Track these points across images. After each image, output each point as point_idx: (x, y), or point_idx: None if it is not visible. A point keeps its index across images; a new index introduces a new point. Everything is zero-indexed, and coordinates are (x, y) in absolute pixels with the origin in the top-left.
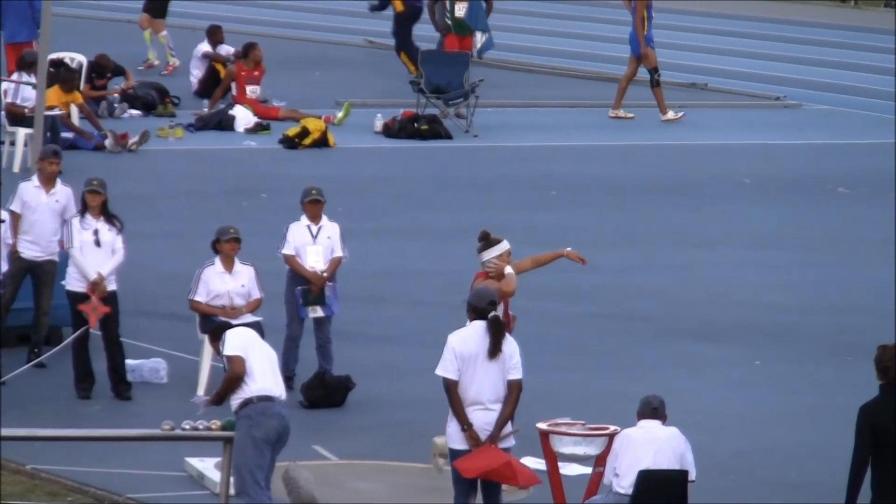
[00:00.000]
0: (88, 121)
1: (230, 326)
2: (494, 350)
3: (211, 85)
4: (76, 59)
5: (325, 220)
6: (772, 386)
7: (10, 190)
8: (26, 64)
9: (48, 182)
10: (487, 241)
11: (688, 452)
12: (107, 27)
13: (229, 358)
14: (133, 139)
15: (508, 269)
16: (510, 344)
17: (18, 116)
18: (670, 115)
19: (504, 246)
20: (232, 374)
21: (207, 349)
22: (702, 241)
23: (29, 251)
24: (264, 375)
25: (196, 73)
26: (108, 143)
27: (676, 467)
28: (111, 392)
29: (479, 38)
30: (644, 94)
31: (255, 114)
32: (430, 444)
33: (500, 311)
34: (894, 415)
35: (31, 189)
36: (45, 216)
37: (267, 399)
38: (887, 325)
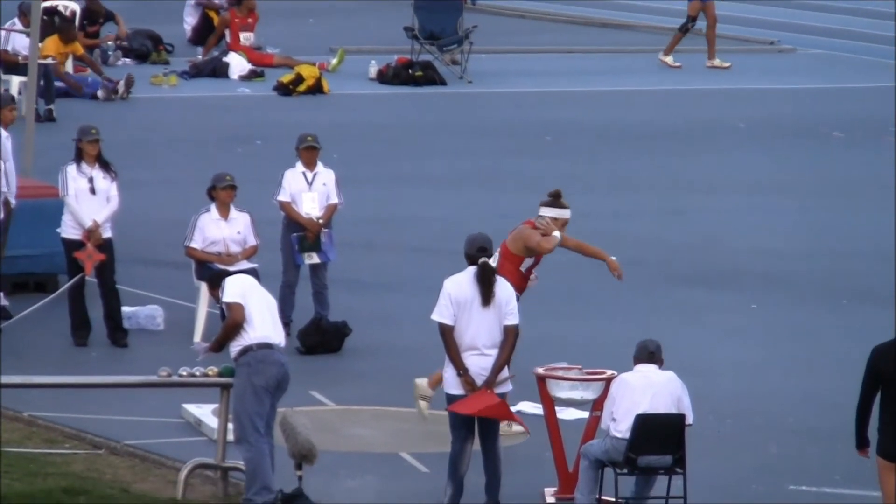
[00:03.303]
0: (90, 68)
1: (228, 274)
2: (486, 296)
3: (204, 32)
4: (69, 6)
5: (320, 166)
6: (768, 331)
7: None
8: (21, 13)
9: (6, 128)
10: (554, 201)
11: (685, 396)
12: None
13: (228, 305)
14: (121, 87)
15: (557, 233)
16: (505, 289)
17: (12, 64)
18: (669, 60)
19: (565, 214)
20: (231, 322)
21: (204, 296)
22: (697, 187)
23: (12, 198)
24: (263, 323)
25: (189, 20)
26: (99, 93)
27: (673, 411)
28: (108, 339)
29: None
30: (638, 40)
31: (250, 61)
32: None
33: (525, 266)
34: None
35: (2, 140)
36: (10, 162)
37: (266, 346)
38: (883, 269)
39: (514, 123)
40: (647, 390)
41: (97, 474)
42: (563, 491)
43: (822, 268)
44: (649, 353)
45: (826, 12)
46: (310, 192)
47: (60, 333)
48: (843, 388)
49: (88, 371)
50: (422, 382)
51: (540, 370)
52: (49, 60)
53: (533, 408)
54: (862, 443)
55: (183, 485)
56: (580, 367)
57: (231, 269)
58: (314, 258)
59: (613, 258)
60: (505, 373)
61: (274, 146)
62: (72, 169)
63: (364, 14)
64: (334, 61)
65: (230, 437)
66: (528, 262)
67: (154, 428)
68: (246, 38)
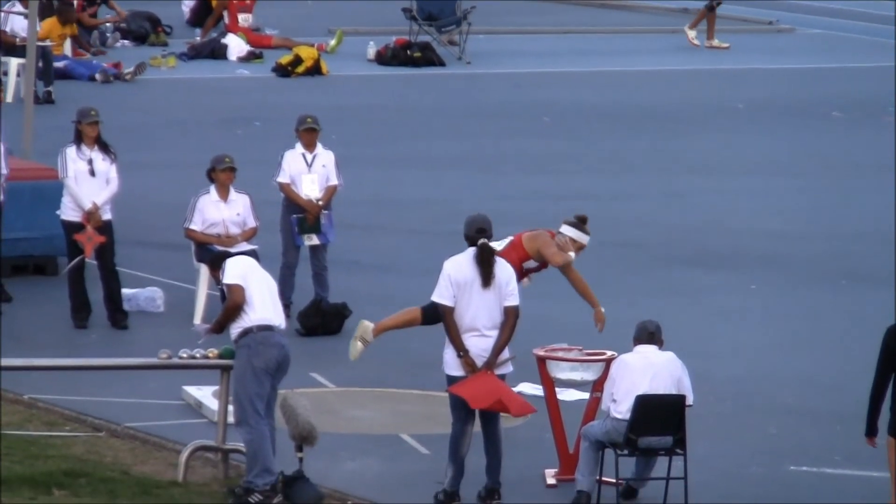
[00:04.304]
0: (80, 47)
1: (230, 256)
2: (486, 278)
3: (203, 13)
4: None
5: (319, 147)
6: (767, 312)
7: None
8: None
9: None
10: (578, 224)
11: (685, 377)
12: None
13: (229, 286)
14: (128, 69)
15: (572, 254)
16: (506, 270)
17: (10, 46)
18: (692, 34)
19: (584, 239)
20: (231, 303)
21: (204, 277)
22: (695, 168)
23: (3, 181)
24: (264, 304)
25: (188, 2)
26: (98, 76)
27: (673, 392)
28: (108, 321)
29: None
30: (636, 20)
31: (248, 42)
32: (427, 371)
33: (528, 266)
34: None
35: None
36: (1, 145)
37: (266, 328)
38: (882, 250)
39: (512, 104)
40: (647, 371)
41: (98, 457)
42: (564, 472)
43: (821, 248)
44: (649, 334)
45: None
46: (309, 173)
47: (60, 316)
48: (843, 369)
49: (88, 353)
50: (368, 325)
51: (540, 351)
52: (47, 42)
53: (533, 389)
54: (871, 430)
55: (184, 467)
56: (580, 347)
57: (231, 250)
58: (314, 240)
59: (603, 310)
60: (506, 354)
61: (273, 127)
62: (71, 151)
63: None
64: (333, 42)
65: (231, 419)
66: (532, 263)
67: (154, 410)
68: (244, 19)
